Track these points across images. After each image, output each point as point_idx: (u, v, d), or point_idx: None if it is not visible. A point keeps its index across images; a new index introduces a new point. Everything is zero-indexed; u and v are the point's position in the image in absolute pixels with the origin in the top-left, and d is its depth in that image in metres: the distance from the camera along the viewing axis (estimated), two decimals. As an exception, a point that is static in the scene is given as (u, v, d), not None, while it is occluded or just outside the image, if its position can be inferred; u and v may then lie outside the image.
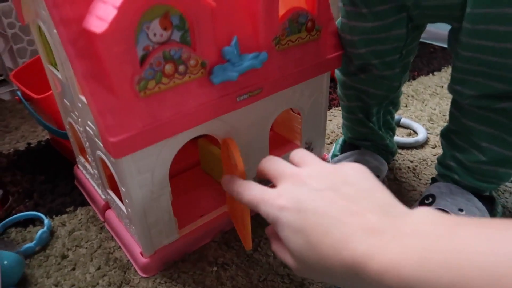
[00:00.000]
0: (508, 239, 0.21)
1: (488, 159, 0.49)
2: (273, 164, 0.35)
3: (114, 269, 0.51)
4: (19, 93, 0.68)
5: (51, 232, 0.57)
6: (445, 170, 0.55)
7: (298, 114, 0.60)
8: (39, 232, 0.54)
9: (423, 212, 0.26)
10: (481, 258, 0.20)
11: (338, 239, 0.26)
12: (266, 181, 0.35)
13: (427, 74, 1.03)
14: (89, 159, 0.55)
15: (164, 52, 0.38)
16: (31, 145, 0.79)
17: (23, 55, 0.99)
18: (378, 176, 0.62)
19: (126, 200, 0.46)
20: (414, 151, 0.72)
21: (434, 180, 0.58)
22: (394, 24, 0.50)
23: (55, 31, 0.39)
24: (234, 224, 0.51)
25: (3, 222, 0.58)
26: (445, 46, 0.50)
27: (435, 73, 1.03)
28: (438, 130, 0.77)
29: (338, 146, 0.69)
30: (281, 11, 0.46)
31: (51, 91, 0.59)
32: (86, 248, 0.54)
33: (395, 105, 0.64)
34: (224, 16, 0.43)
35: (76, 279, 0.50)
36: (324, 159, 0.68)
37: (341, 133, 0.73)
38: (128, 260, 0.52)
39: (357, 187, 0.29)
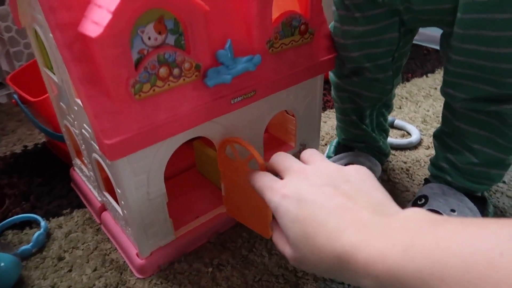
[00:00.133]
0: (486, 233, 0.22)
1: (480, 161, 0.49)
2: (283, 159, 0.37)
3: (111, 271, 0.51)
4: (15, 96, 0.68)
5: (48, 234, 0.57)
6: (438, 171, 0.55)
7: (293, 115, 0.61)
8: (36, 234, 0.55)
9: (412, 211, 0.28)
10: (459, 249, 0.22)
11: (332, 231, 0.28)
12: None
13: (421, 76, 1.04)
14: (85, 161, 0.55)
15: (158, 55, 0.39)
16: (28, 148, 0.80)
17: (20, 58, 1.00)
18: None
19: (122, 202, 0.47)
20: (407, 152, 0.73)
21: (427, 181, 0.59)
22: (386, 28, 0.51)
23: (51, 35, 0.40)
24: (244, 221, 0.51)
25: (0, 224, 0.58)
26: (439, 48, 0.51)
27: (428, 75, 1.04)
28: (432, 131, 0.78)
29: (332, 147, 0.69)
30: (275, 15, 0.46)
31: (47, 94, 0.60)
32: (83, 250, 0.55)
33: (388, 107, 0.65)
34: (218, 20, 0.43)
35: (73, 280, 0.50)
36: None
37: (335, 134, 0.74)
38: (124, 262, 0.52)
39: (356, 186, 0.31)
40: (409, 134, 0.78)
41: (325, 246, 0.28)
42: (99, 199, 0.58)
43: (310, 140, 0.64)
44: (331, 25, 0.55)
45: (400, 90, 0.96)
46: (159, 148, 0.44)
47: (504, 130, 0.46)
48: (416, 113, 0.86)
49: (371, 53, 0.53)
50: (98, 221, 0.59)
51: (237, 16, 0.45)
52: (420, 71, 1.06)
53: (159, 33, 0.38)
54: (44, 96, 0.63)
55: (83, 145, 0.52)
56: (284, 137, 0.67)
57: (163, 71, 0.39)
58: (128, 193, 0.44)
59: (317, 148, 0.67)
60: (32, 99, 0.64)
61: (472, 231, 0.23)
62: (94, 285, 0.49)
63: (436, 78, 1.02)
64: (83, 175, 0.62)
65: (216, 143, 0.49)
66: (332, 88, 0.63)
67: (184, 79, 0.42)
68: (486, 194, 0.57)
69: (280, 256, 0.51)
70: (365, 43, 0.52)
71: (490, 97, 0.45)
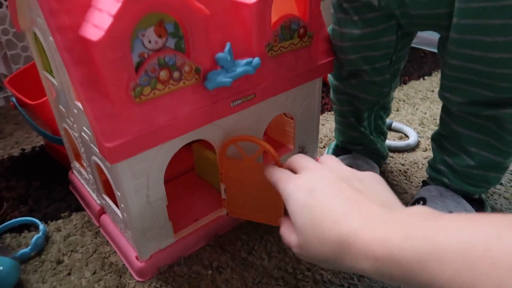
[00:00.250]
0: (485, 221, 0.23)
1: (477, 164, 0.50)
2: (300, 158, 0.39)
3: (110, 274, 0.51)
4: (14, 99, 0.68)
5: (46, 238, 0.57)
6: (436, 174, 0.56)
7: (291, 118, 0.61)
8: (34, 238, 0.55)
9: (416, 207, 0.29)
10: (458, 233, 0.23)
11: (338, 217, 0.30)
12: None
13: (418, 78, 1.05)
14: (84, 164, 0.55)
15: (159, 58, 0.39)
16: (26, 151, 0.80)
17: (17, 61, 1.00)
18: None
19: (122, 205, 0.47)
20: (405, 155, 0.73)
21: (425, 183, 0.59)
22: (384, 31, 0.51)
23: (51, 38, 0.40)
24: (250, 217, 0.53)
25: (-2, 228, 0.58)
26: (435, 51, 0.51)
27: (425, 77, 1.05)
28: (429, 133, 0.78)
29: (331, 150, 0.70)
30: (274, 18, 0.47)
31: (46, 97, 0.60)
32: (82, 253, 0.54)
33: (386, 110, 0.65)
34: (218, 23, 0.44)
35: (72, 284, 0.50)
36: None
37: (333, 137, 0.74)
38: (124, 265, 0.52)
39: (368, 186, 0.33)
40: (406, 136, 0.78)
41: (330, 229, 0.30)
42: (98, 202, 0.58)
43: (308, 142, 0.64)
44: (329, 28, 0.56)
45: (398, 93, 0.96)
46: (159, 151, 0.44)
47: (501, 134, 0.47)
48: (413, 116, 0.86)
49: (368, 56, 0.53)
50: (97, 224, 0.59)
51: (236, 19, 0.45)
52: (417, 74, 1.07)
53: (160, 36, 0.38)
54: (43, 99, 0.63)
55: (82, 148, 0.52)
56: (282, 140, 0.68)
57: (163, 74, 0.40)
58: (128, 196, 0.44)
59: (315, 150, 0.67)
60: (31, 102, 0.64)
61: (471, 219, 0.24)
62: (93, 288, 0.49)
63: (433, 81, 1.03)
64: (82, 178, 0.62)
65: (216, 145, 0.50)
66: (331, 90, 0.63)
67: (184, 82, 0.42)
68: (483, 196, 0.57)
69: (280, 258, 0.51)
70: (363, 46, 0.53)
71: (487, 101, 0.45)
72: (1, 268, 0.47)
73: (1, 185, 0.69)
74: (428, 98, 0.94)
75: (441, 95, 0.50)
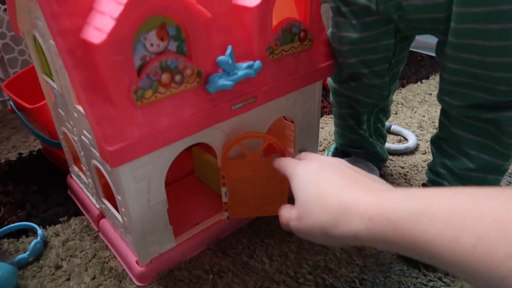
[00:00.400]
0: (478, 189, 0.25)
1: (476, 167, 0.50)
2: (309, 153, 0.43)
3: (110, 279, 0.51)
4: (11, 103, 0.68)
5: (45, 243, 0.57)
6: (435, 177, 0.56)
7: (291, 122, 0.61)
8: (33, 243, 0.54)
9: None
10: (451, 194, 0.26)
11: (342, 187, 0.33)
12: None
13: (416, 82, 1.05)
14: (84, 168, 0.55)
15: (160, 62, 0.39)
16: (23, 155, 0.79)
17: (14, 65, 0.99)
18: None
19: (122, 209, 0.46)
20: (404, 158, 0.73)
21: (424, 186, 0.59)
22: (382, 35, 0.51)
23: (51, 41, 0.40)
24: (254, 213, 0.54)
25: (-4, 233, 0.58)
26: (433, 54, 0.52)
27: (423, 80, 1.05)
28: (428, 136, 0.78)
29: (330, 153, 0.70)
30: (275, 22, 0.47)
31: (45, 101, 0.59)
32: (81, 258, 0.54)
33: (386, 113, 0.65)
34: (219, 26, 0.44)
35: (71, 289, 0.50)
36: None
37: (333, 140, 0.74)
38: (124, 269, 0.52)
39: (369, 175, 0.36)
40: (405, 139, 0.79)
41: (332, 198, 0.32)
42: (98, 206, 0.57)
43: (308, 145, 0.64)
44: (328, 31, 0.56)
45: (396, 96, 0.97)
46: (160, 155, 0.44)
47: (500, 137, 0.47)
48: (412, 119, 0.87)
49: (367, 59, 0.54)
50: (96, 228, 0.59)
51: (237, 23, 0.45)
52: (415, 77, 1.07)
53: (162, 39, 0.38)
54: (41, 103, 0.62)
55: (82, 152, 0.51)
56: (282, 143, 0.67)
57: (165, 77, 0.39)
58: (129, 199, 0.43)
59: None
60: (29, 106, 0.64)
61: (466, 189, 0.26)
62: (93, 293, 0.49)
63: (430, 84, 1.03)
64: (80, 182, 0.62)
65: (217, 149, 0.49)
66: (330, 93, 0.63)
67: (185, 85, 0.42)
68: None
69: (281, 262, 0.51)
70: (362, 50, 0.53)
71: (486, 104, 0.46)
72: None
73: (-2, 189, 0.68)
74: (426, 101, 0.94)
75: (440, 99, 0.50)
